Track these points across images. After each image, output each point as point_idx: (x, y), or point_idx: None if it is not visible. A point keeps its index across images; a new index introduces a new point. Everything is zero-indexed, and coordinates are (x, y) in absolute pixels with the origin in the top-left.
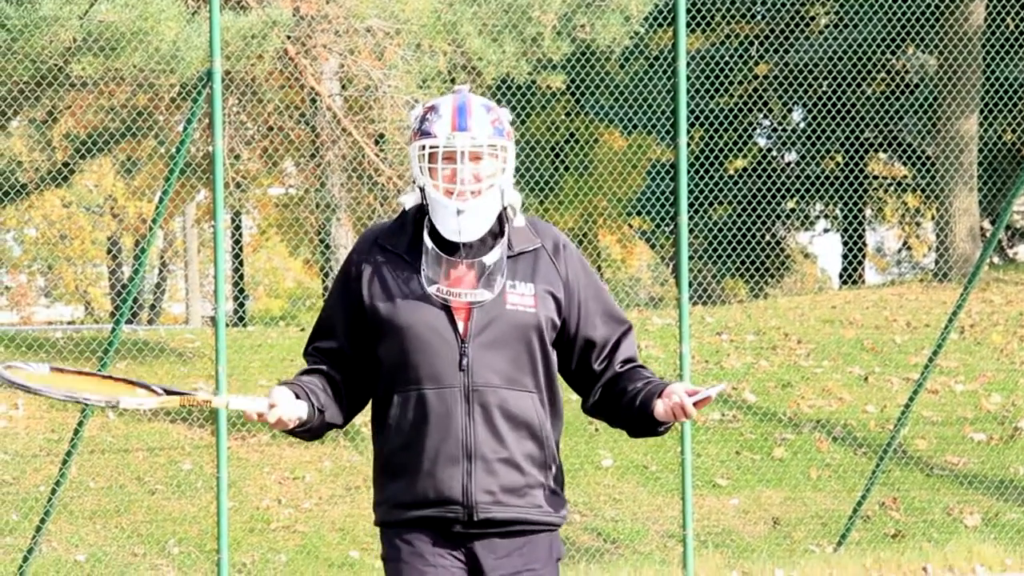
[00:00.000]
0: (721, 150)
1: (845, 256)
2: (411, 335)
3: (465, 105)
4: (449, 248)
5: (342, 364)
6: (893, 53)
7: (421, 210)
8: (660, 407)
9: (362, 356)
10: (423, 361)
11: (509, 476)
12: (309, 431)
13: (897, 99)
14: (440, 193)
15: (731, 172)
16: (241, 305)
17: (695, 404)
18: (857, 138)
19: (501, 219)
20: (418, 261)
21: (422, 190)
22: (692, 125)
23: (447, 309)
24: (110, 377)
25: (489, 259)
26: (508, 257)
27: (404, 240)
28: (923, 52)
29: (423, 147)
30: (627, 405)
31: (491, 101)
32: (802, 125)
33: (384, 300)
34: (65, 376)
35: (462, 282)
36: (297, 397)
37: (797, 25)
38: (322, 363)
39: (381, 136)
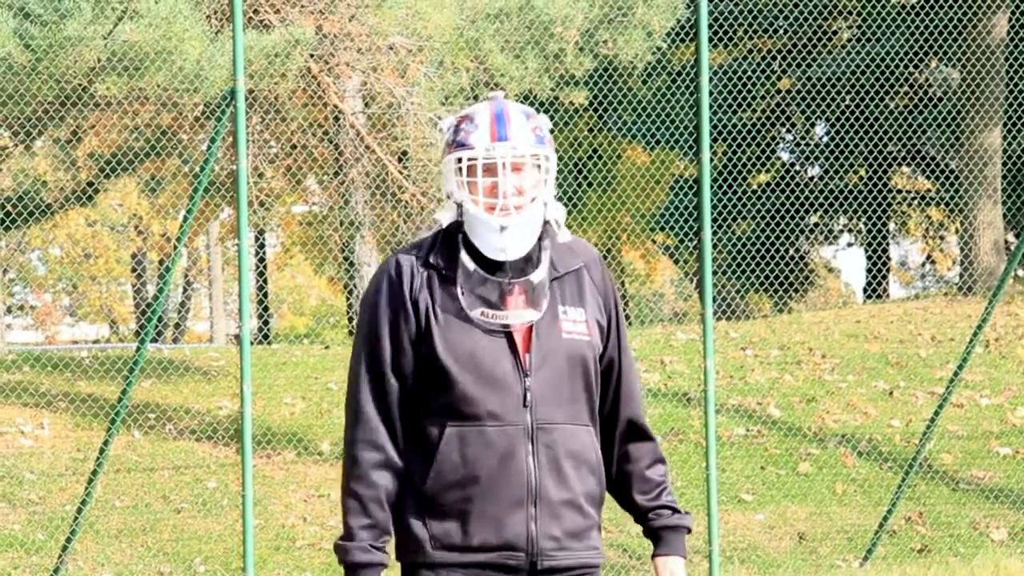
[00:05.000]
0: (744, 165)
1: (869, 270)
2: (473, 366)
3: (503, 113)
4: (490, 268)
5: (398, 421)
6: (916, 67)
7: (460, 226)
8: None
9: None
10: (484, 396)
11: (573, 520)
12: None
13: (920, 112)
14: (481, 209)
15: (754, 187)
16: (266, 323)
17: None
18: (880, 152)
19: (542, 235)
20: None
21: (459, 206)
22: (715, 140)
23: (509, 338)
24: None
25: (536, 277)
26: (554, 279)
27: (453, 259)
28: (946, 65)
29: (459, 159)
30: (631, 504)
31: (529, 108)
32: (825, 139)
33: (443, 325)
34: None
35: (509, 304)
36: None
37: (820, 39)
38: (386, 467)
39: (404, 153)
